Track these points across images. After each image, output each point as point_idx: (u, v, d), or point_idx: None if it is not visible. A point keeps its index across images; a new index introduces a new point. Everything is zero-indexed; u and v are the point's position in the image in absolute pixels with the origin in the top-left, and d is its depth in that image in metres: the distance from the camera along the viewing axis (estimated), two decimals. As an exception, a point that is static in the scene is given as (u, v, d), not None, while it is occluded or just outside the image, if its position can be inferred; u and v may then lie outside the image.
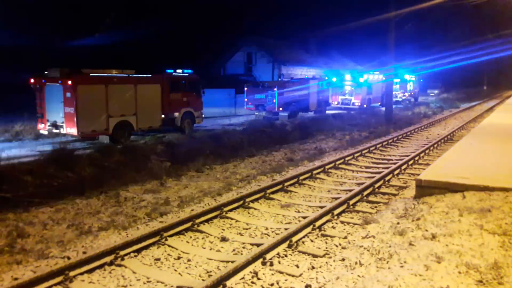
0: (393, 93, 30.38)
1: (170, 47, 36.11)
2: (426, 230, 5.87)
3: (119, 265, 5.92)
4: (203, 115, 20.46)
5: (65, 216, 8.16)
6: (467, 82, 66.64)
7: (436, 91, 61.88)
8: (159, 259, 6.19)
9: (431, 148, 15.52)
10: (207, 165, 12.59)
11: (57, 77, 15.09)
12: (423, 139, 18.67)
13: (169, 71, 19.12)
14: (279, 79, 36.46)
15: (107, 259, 5.93)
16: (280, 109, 25.32)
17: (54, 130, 15.48)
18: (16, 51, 24.82)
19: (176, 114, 18.75)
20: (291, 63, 41.09)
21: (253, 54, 41.29)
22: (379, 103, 35.60)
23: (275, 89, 25.26)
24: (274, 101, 25.16)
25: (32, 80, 15.91)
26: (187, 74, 19.61)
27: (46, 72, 15.75)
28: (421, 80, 52.12)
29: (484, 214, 6.16)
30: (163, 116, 18.02)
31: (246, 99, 26.59)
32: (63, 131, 15.21)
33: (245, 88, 26.65)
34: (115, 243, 6.20)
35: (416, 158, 13.47)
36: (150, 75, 17.77)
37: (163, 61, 26.59)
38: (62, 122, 15.10)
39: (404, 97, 43.15)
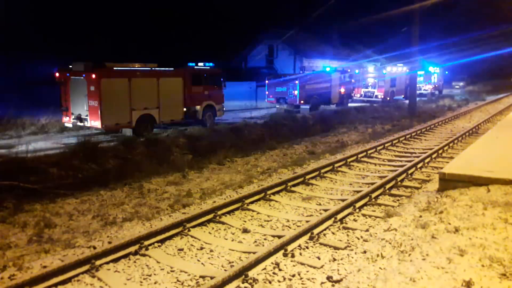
0: (417, 85, 29.89)
1: (192, 41, 36.32)
2: (449, 223, 5.81)
3: (144, 255, 6.05)
4: (224, 108, 20.54)
5: (90, 207, 8.36)
6: (494, 74, 64.84)
7: (461, 84, 60.54)
8: (182, 249, 6.30)
9: (455, 141, 15.25)
10: (228, 158, 12.67)
11: (81, 71, 15.35)
12: (447, 132, 18.35)
13: (191, 64, 19.25)
14: (301, 72, 36.29)
15: (132, 249, 6.07)
16: (302, 101, 25.18)
17: (79, 123, 15.78)
18: (41, 46, 25.32)
19: (198, 107, 18.88)
20: (313, 55, 40.77)
21: (275, 46, 41.11)
22: (403, 96, 35.07)
23: (297, 81, 25.13)
24: (296, 93, 25.05)
25: (57, 74, 16.23)
26: (208, 68, 19.70)
27: (70, 66, 16.05)
28: (446, 73, 51.02)
29: (509, 208, 6.06)
30: (185, 109, 18.17)
31: (267, 92, 26.55)
32: (87, 124, 15.49)
33: (266, 81, 26.60)
34: (139, 233, 6.33)
35: (440, 152, 13.27)
36: (172, 69, 17.91)
37: (185, 54, 26.75)
38: (86, 115, 15.38)
39: (428, 90, 42.37)
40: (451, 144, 14.59)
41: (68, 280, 5.26)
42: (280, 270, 5.53)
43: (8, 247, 6.41)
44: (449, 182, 7.76)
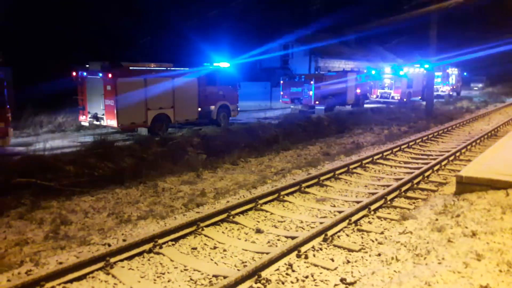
0: (434, 86, 29.50)
1: (206, 41, 36.44)
2: (466, 227, 5.72)
3: (158, 253, 6.08)
4: (238, 108, 20.56)
5: (105, 205, 8.45)
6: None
7: (480, 85, 59.61)
8: (195, 248, 6.32)
9: (473, 144, 15.01)
10: (242, 158, 12.68)
11: (98, 70, 15.54)
12: (464, 135, 18.08)
13: (206, 64, 19.32)
14: (316, 72, 36.10)
15: (146, 247, 6.11)
16: (317, 102, 25.06)
17: (95, 122, 15.96)
18: (58, 45, 25.61)
19: (212, 107, 18.94)
20: (328, 55, 40.52)
21: (290, 46, 40.97)
22: (420, 97, 34.67)
23: (312, 82, 25.01)
24: (311, 94, 24.93)
25: (74, 73, 16.44)
26: (223, 67, 19.75)
27: (87, 65, 16.24)
28: (465, 74, 50.31)
29: (528, 212, 5.94)
30: (199, 109, 18.24)
31: (281, 92, 26.48)
32: (103, 123, 15.66)
33: (281, 81, 26.54)
34: (154, 231, 6.36)
35: (457, 154, 13.07)
36: (188, 69, 18.00)
37: (200, 54, 26.81)
38: (103, 114, 15.54)
39: (445, 91, 41.81)
40: (468, 147, 14.37)
41: (83, 276, 5.31)
42: (293, 271, 5.51)
43: (26, 243, 6.51)
44: (466, 186, 7.64)
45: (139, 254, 5.99)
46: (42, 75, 20.70)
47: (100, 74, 15.31)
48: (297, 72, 34.23)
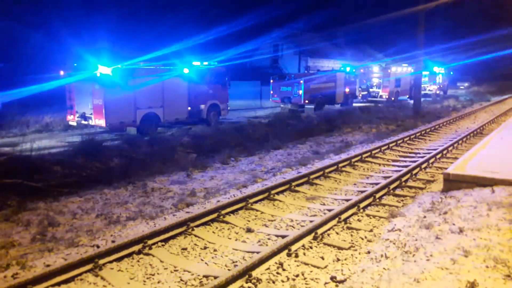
0: (422, 86, 29.77)
1: (195, 39, 36.31)
2: (453, 224, 5.78)
3: (147, 254, 6.05)
4: (228, 108, 20.55)
5: (94, 205, 8.37)
6: (498, 75, 64.59)
7: (466, 84, 60.38)
8: (185, 249, 6.30)
9: (460, 142, 15.18)
10: (233, 157, 12.67)
11: (86, 70, 15.40)
12: (451, 133, 18.27)
13: (195, 63, 19.26)
14: (305, 71, 36.23)
15: (135, 248, 6.06)
16: (306, 101, 25.16)
17: (83, 122, 15.84)
18: (47, 44, 25.38)
19: (202, 106, 18.90)
20: (318, 55, 40.72)
21: (280, 45, 41.08)
22: (407, 96, 34.97)
23: (301, 81, 25.11)
24: (300, 93, 25.02)
25: (62, 73, 16.29)
26: (213, 67, 19.71)
27: (75, 65, 16.10)
28: (451, 73, 50.88)
29: (514, 209, 6.02)
30: (189, 108, 18.19)
31: (271, 91, 26.54)
32: (91, 122, 15.54)
33: (271, 80, 26.58)
34: (143, 232, 6.32)
35: (444, 152, 13.21)
36: (177, 68, 17.94)
37: (189, 53, 26.78)
38: (91, 114, 15.42)
39: (433, 90, 42.22)
40: (455, 145, 14.53)
41: (71, 279, 5.26)
42: (283, 270, 5.52)
43: (12, 246, 6.41)
44: (453, 183, 7.73)
45: (129, 255, 5.95)
46: (29, 74, 20.49)
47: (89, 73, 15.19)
48: (287, 72, 34.31)
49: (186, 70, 18.05)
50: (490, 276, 4.30)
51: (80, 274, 5.35)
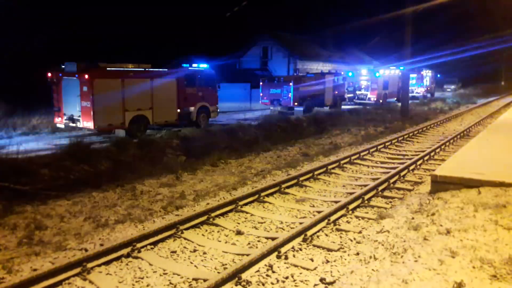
0: (410, 88, 30.01)
1: (185, 42, 36.26)
2: (441, 225, 5.83)
3: (136, 257, 6.01)
4: (218, 110, 20.51)
5: (82, 209, 8.30)
6: (484, 78, 65.50)
7: (453, 87, 61.04)
8: (175, 252, 6.28)
9: (447, 143, 15.35)
10: (222, 160, 12.65)
11: (74, 71, 15.26)
12: (439, 135, 18.46)
13: (185, 65, 19.20)
14: (295, 74, 36.29)
15: (124, 251, 6.03)
16: (296, 104, 25.21)
17: (71, 124, 15.66)
18: (32, 45, 25.10)
19: (192, 108, 18.83)
20: (307, 57, 40.82)
21: (269, 48, 41.11)
22: (395, 98, 35.22)
23: (291, 83, 25.15)
24: (290, 95, 25.07)
25: (49, 74, 16.12)
26: (202, 69, 19.67)
27: (63, 66, 15.94)
28: (438, 76, 51.41)
29: (499, 210, 6.10)
30: (178, 110, 18.11)
31: (261, 94, 26.53)
32: (79, 124, 15.38)
33: (261, 83, 26.60)
34: (132, 235, 6.29)
35: (432, 154, 13.34)
36: (166, 70, 17.86)
37: (179, 55, 26.70)
38: (79, 116, 15.26)
39: (420, 93, 42.61)
40: (443, 147, 14.68)
41: (59, 283, 5.21)
42: (273, 272, 5.53)
43: (-2, 250, 6.34)
44: (440, 184, 7.80)
45: (117, 258, 5.91)
46: (16, 76, 20.27)
47: (77, 75, 15.05)
48: (276, 74, 34.36)
49: (175, 73, 17.98)
50: (476, 277, 4.36)
51: (68, 278, 5.31)
